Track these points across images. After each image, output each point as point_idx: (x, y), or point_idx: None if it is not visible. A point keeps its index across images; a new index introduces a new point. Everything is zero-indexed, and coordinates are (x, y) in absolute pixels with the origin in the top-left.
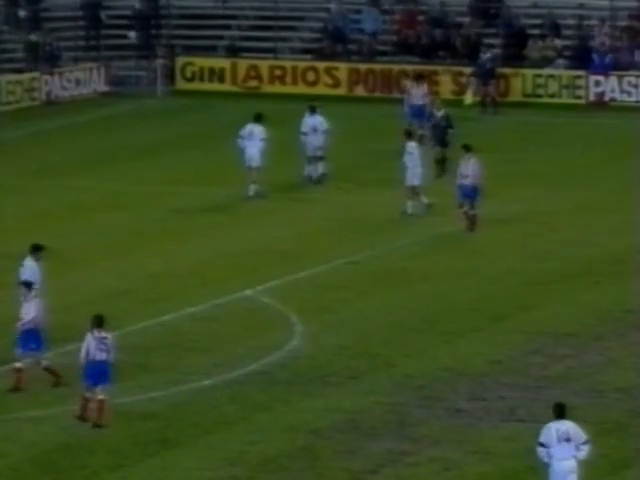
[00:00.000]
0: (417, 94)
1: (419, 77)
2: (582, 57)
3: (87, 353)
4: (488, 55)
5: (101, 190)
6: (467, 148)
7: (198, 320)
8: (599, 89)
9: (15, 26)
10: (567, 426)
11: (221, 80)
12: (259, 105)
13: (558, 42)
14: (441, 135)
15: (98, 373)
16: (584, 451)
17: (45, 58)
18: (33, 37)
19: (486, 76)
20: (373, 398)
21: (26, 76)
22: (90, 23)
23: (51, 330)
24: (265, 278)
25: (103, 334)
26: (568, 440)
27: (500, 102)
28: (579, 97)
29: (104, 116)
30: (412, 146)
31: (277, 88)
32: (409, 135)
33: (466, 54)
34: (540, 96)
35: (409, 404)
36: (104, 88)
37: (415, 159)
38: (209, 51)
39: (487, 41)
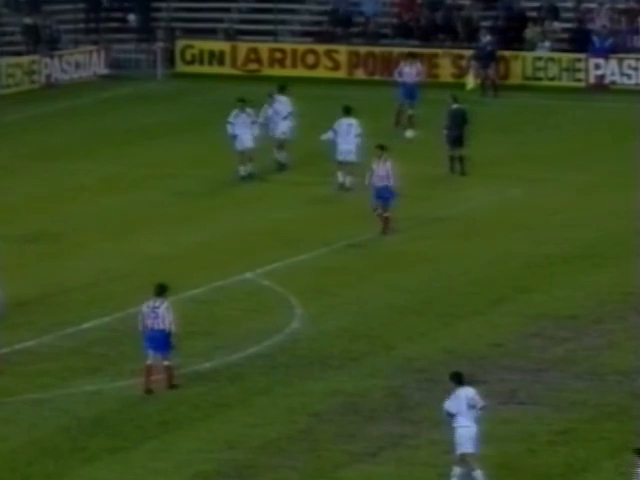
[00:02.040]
0: (410, 73)
1: (411, 56)
2: (580, 40)
3: (142, 322)
4: (488, 38)
5: (101, 173)
6: (382, 148)
7: (198, 303)
8: (599, 72)
9: (15, 9)
10: (471, 393)
11: (221, 63)
12: (259, 88)
13: (557, 25)
14: (457, 132)
15: (152, 341)
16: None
17: (45, 41)
18: (28, 20)
19: (486, 59)
20: (373, 381)
21: (26, 59)
22: (90, 6)
23: (49, 313)
24: (265, 261)
25: (157, 303)
26: (473, 407)
27: (500, 85)
28: (579, 80)
29: (104, 99)
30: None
31: (277, 71)
32: (347, 112)
33: (466, 37)
34: (540, 79)
35: (409, 387)
36: (104, 71)
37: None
38: (209, 34)
39: (486, 24)
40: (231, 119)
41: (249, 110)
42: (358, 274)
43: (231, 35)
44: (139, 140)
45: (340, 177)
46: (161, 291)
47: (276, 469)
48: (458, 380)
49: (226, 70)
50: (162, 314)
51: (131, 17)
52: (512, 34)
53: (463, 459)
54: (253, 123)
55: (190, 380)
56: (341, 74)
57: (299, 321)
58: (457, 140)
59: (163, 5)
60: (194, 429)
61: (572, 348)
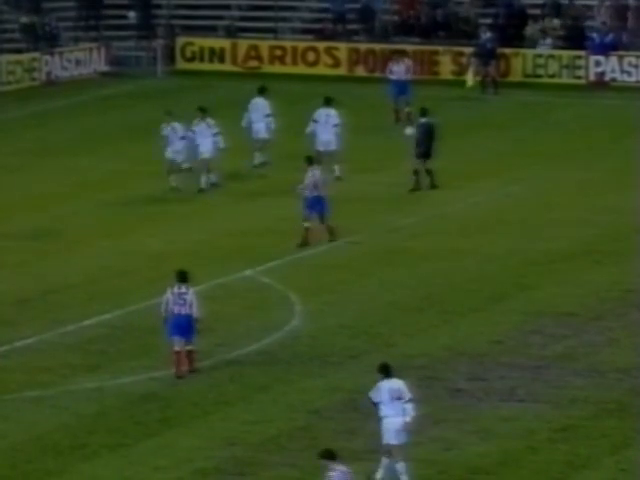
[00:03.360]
0: (399, 71)
1: (398, 53)
2: (575, 37)
3: (166, 308)
4: (488, 35)
5: (101, 170)
6: (309, 160)
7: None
8: (599, 69)
9: (15, 6)
10: (398, 385)
11: (221, 60)
12: (259, 85)
13: (556, 22)
14: (425, 146)
15: (179, 326)
16: (412, 410)
17: (45, 38)
18: (24, 19)
19: (487, 56)
20: (373, 378)
21: (26, 56)
22: (90, 3)
23: (49, 310)
24: (265, 258)
25: (183, 289)
26: (399, 398)
27: (500, 82)
28: (579, 77)
29: (104, 96)
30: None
31: (277, 68)
32: (327, 102)
33: (466, 34)
34: (540, 76)
35: (409, 384)
36: (104, 68)
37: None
38: (209, 31)
39: (487, 21)
40: (194, 127)
41: (210, 120)
42: (358, 271)
43: (231, 32)
44: (139, 137)
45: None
46: (184, 277)
47: (276, 466)
48: (385, 372)
49: (226, 67)
50: (190, 300)
51: (131, 14)
52: (512, 31)
53: (388, 450)
54: (215, 135)
55: (190, 378)
56: (341, 71)
57: (299, 318)
58: (425, 154)
59: (163, 2)
60: (194, 426)
61: (572, 345)
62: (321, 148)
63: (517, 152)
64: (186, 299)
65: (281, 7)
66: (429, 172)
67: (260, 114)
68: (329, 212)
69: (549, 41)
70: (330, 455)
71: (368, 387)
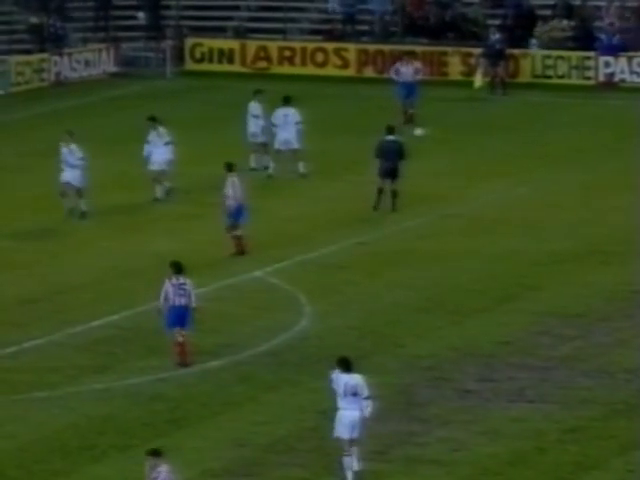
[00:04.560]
0: (406, 72)
1: (407, 54)
2: (583, 38)
3: (166, 299)
4: (497, 36)
5: (109, 170)
6: (229, 167)
7: (207, 301)
8: (609, 70)
9: (24, 7)
10: (356, 381)
11: (230, 61)
12: (268, 86)
13: (565, 23)
14: (392, 165)
15: (179, 317)
16: (368, 407)
17: (53, 39)
18: (33, 19)
19: (496, 57)
20: (381, 378)
21: (35, 57)
22: (99, 4)
23: (57, 311)
24: (274, 259)
25: (181, 280)
26: (355, 394)
27: (509, 83)
28: (588, 78)
29: (113, 97)
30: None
31: (286, 69)
32: (286, 101)
33: (474, 35)
34: (549, 77)
35: (417, 385)
36: (113, 69)
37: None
38: (218, 32)
39: (495, 22)
40: (149, 138)
41: (161, 129)
42: (366, 272)
43: (240, 33)
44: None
45: (270, 164)
46: (180, 268)
47: (284, 467)
48: (344, 367)
49: (235, 68)
50: (189, 290)
51: (140, 15)
52: (521, 32)
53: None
54: (166, 144)
55: (199, 378)
56: (350, 72)
57: (307, 319)
58: (390, 173)
59: (172, 3)
60: (203, 427)
61: (580, 346)
62: (282, 147)
63: (524, 153)
64: (186, 289)
65: (290, 8)
66: (394, 194)
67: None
68: (246, 221)
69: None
70: (156, 453)
71: (377, 388)
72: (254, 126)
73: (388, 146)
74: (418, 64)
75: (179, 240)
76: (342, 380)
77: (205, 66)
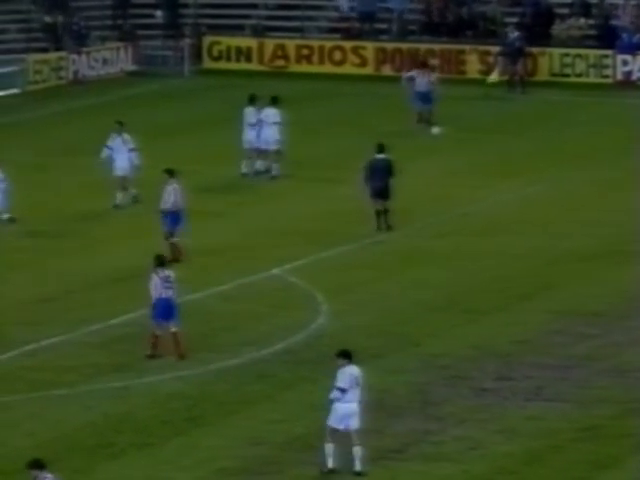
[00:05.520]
0: (422, 82)
1: (424, 65)
2: (607, 36)
3: (154, 292)
4: (516, 34)
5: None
6: (170, 173)
7: (224, 299)
8: (626, 68)
9: (41, 5)
10: (358, 372)
11: (248, 59)
12: (286, 85)
13: (583, 21)
14: (383, 184)
15: (165, 310)
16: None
17: (72, 37)
18: (48, 18)
19: (514, 55)
20: (398, 377)
21: (53, 55)
22: (117, 2)
23: (75, 309)
24: (292, 257)
25: (166, 272)
26: (358, 385)
27: (527, 81)
28: (606, 76)
29: (131, 95)
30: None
31: (304, 67)
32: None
33: (493, 33)
34: (567, 75)
35: (434, 383)
36: (131, 67)
37: (123, 150)
38: (236, 30)
39: (513, 20)
40: (109, 143)
41: (126, 136)
42: (384, 271)
43: (258, 31)
44: (166, 136)
45: (258, 164)
46: (163, 261)
47: (301, 465)
48: (348, 358)
49: (253, 66)
50: (174, 282)
51: (158, 13)
52: (539, 30)
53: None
54: (131, 150)
55: (216, 377)
56: (368, 70)
57: (325, 317)
58: (381, 193)
59: (190, 1)
60: (220, 425)
61: (597, 345)
62: (262, 146)
63: (541, 152)
64: (171, 281)
65: (308, 6)
66: (386, 212)
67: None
68: (182, 228)
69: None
70: (38, 465)
71: (394, 386)
72: (248, 132)
73: (377, 165)
74: (434, 75)
75: (197, 239)
76: (348, 371)
77: (223, 64)
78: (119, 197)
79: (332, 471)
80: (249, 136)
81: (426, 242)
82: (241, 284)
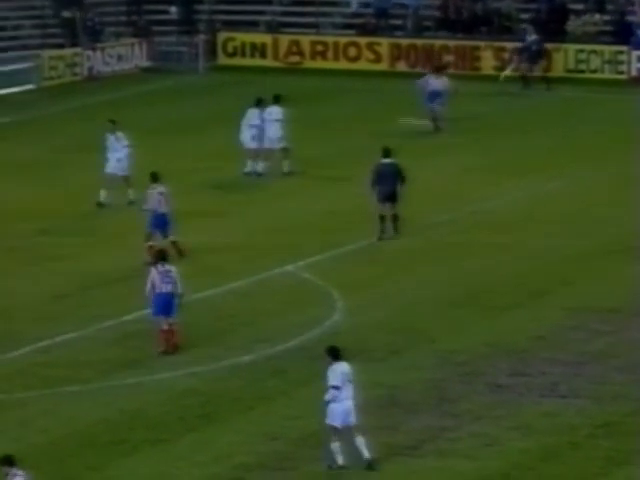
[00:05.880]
0: (435, 84)
1: (439, 69)
2: (622, 32)
3: (153, 286)
4: (534, 37)
5: (141, 164)
6: (154, 177)
7: (239, 295)
8: None
9: (57, 1)
10: (348, 368)
11: (263, 56)
12: (301, 81)
13: (598, 17)
14: (391, 189)
15: (165, 304)
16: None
17: (87, 33)
18: (66, 13)
19: (533, 57)
20: (414, 374)
21: (68, 51)
22: None
23: (89, 305)
24: (306, 253)
25: (167, 267)
26: (350, 381)
27: (549, 78)
28: (621, 73)
29: (145, 92)
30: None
31: (319, 64)
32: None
33: (508, 30)
34: (582, 72)
35: (450, 380)
36: (146, 64)
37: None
38: (251, 26)
39: (527, 17)
40: (107, 143)
41: (119, 134)
42: (398, 267)
43: (273, 27)
44: (180, 132)
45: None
46: (165, 256)
47: (317, 461)
48: (335, 355)
49: (268, 62)
50: (175, 277)
51: (173, 9)
52: (554, 26)
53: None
54: (124, 147)
55: (230, 373)
56: (383, 66)
57: (340, 314)
58: (389, 197)
59: None
60: (235, 421)
61: (613, 341)
62: (267, 145)
63: (556, 148)
64: (172, 277)
65: (322, 2)
66: (395, 218)
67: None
68: (172, 228)
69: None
70: (8, 461)
71: (409, 383)
72: (247, 132)
73: (385, 169)
74: (446, 79)
75: (211, 235)
76: (339, 369)
77: (237, 60)
78: (130, 193)
79: (342, 467)
80: (247, 137)
81: (441, 238)
82: (255, 281)
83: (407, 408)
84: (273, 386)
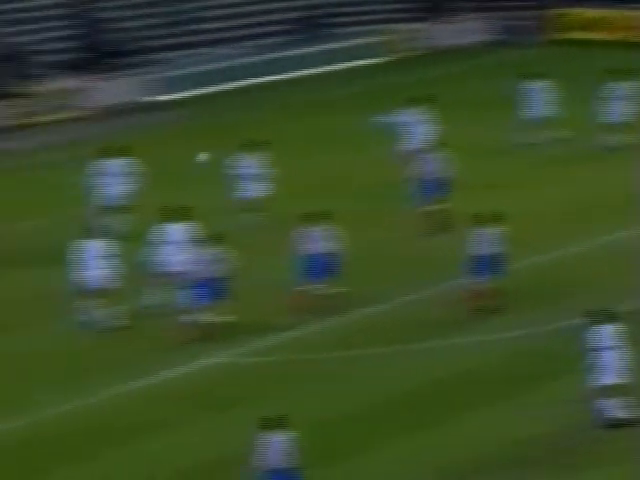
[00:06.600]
0: None
1: None
2: None
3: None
4: None
5: (463, 136)
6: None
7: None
8: None
9: None
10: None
11: (601, 30)
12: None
13: None
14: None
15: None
16: None
17: (432, 9)
18: None
19: None
20: None
21: (410, 26)
22: None
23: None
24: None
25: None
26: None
27: None
28: None
29: (485, 65)
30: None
31: None
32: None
33: None
34: None
35: None
36: (486, 37)
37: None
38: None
39: None
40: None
41: (421, 108)
42: None
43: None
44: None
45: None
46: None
47: None
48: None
49: (606, 36)
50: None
51: None
52: None
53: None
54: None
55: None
56: None
57: None
58: None
59: None
60: (566, 381)
61: None
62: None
63: None
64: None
65: None
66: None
67: None
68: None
69: None
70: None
71: None
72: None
73: None
74: None
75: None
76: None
77: (576, 34)
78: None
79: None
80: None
81: None
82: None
83: None
84: None
